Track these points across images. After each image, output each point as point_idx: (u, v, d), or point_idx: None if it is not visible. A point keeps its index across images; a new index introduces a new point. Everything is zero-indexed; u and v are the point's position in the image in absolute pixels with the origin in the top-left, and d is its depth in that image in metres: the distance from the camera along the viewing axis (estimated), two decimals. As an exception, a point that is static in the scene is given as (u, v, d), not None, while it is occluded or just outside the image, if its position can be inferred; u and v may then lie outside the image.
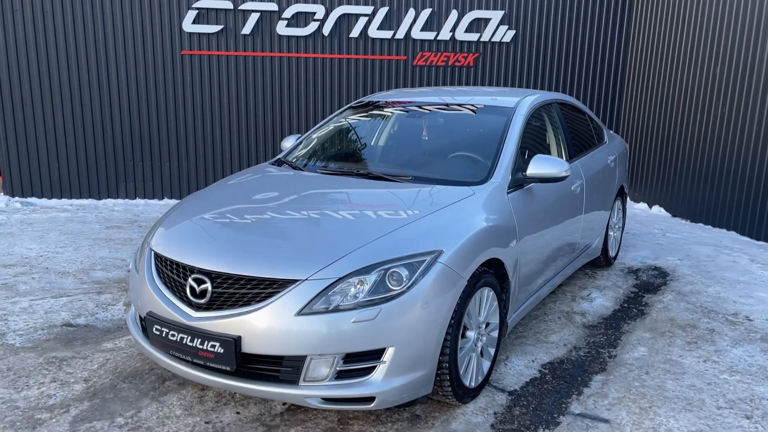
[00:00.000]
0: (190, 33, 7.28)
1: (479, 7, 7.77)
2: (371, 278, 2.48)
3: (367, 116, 4.17)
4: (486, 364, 3.05)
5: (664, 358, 3.47)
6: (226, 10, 7.29)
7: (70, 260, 5.07)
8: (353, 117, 4.19)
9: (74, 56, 7.22)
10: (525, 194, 3.40)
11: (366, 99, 4.37)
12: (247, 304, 2.46)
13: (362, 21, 7.54)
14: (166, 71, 7.35)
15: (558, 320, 4.02)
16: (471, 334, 2.87)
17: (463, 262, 2.70)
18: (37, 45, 7.16)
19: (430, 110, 4.02)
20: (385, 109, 4.18)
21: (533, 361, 3.43)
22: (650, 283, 4.81)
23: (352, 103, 4.34)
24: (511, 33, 7.87)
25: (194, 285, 2.56)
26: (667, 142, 7.53)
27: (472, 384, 2.91)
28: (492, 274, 3.00)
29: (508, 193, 3.26)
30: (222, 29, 7.32)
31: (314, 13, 7.45)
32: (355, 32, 7.55)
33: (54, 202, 7.37)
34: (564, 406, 2.96)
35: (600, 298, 4.44)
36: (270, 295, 2.44)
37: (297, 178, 3.52)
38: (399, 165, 3.73)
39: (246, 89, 7.55)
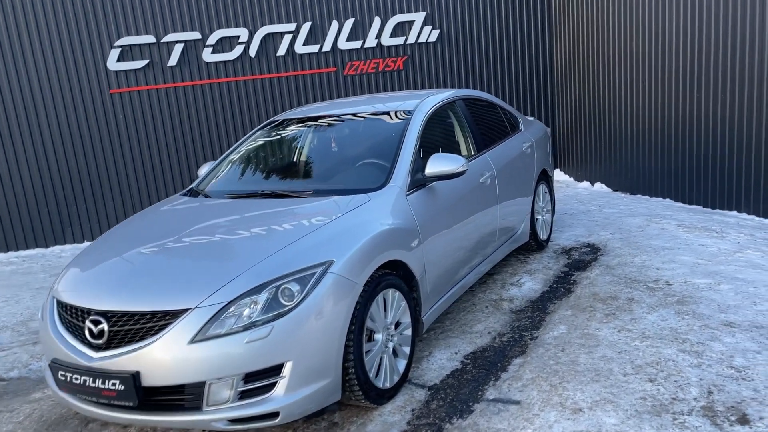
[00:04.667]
0: (116, 71, 7.30)
1: (401, 11, 7.90)
2: (262, 297, 2.55)
3: (276, 135, 4.25)
4: (402, 363, 3.14)
5: (582, 333, 3.59)
6: (149, 44, 7.33)
7: (10, 314, 5.06)
8: (263, 138, 4.27)
9: (1, 107, 7.20)
10: (427, 193, 3.50)
11: (278, 117, 4.44)
12: (143, 338, 2.52)
13: (287, 38, 7.63)
14: (97, 112, 7.36)
15: (485, 309, 4.13)
16: (379, 336, 2.95)
17: (357, 269, 2.78)
18: (-37, 102, 7.13)
19: (337, 122, 4.11)
20: (294, 126, 4.26)
21: (456, 353, 3.52)
22: (581, 260, 4.95)
23: (264, 123, 4.42)
24: (436, 32, 8.02)
25: (92, 327, 2.61)
26: (600, 120, 7.73)
27: (387, 385, 2.99)
28: (396, 275, 3.09)
29: (407, 194, 3.36)
30: (148, 63, 7.36)
31: (238, 37, 7.51)
32: (281, 50, 7.64)
33: (0, 256, 7.33)
34: (480, 393, 3.06)
35: (529, 282, 4.55)
36: (164, 327, 2.50)
37: (202, 206, 3.58)
38: (303, 180, 3.81)
39: (180, 119, 7.59)
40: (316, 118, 4.18)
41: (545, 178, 5.35)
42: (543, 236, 5.24)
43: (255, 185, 3.80)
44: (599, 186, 7.83)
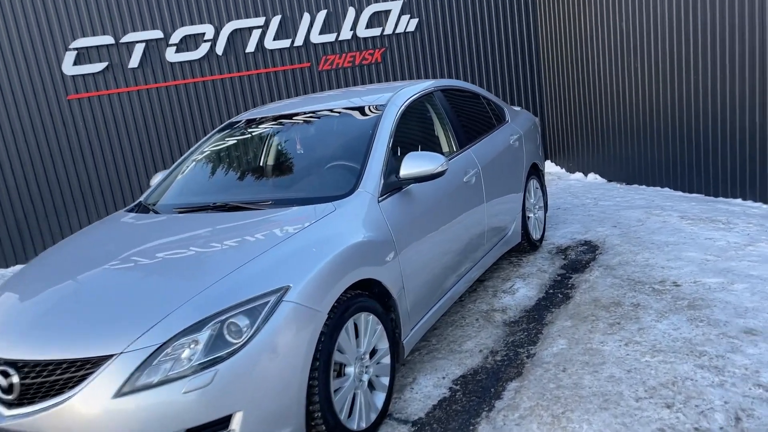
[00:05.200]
0: (73, 76, 6.81)
1: (377, 0, 7.45)
2: (204, 335, 2.12)
3: (234, 137, 3.81)
4: (380, 397, 2.72)
5: (584, 348, 3.18)
6: (108, 45, 6.85)
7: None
8: (220, 141, 3.82)
9: (-48, 120, 6.70)
10: (403, 198, 3.08)
11: (239, 117, 4.00)
12: (60, 392, 2.08)
13: (256, 33, 7.17)
14: (54, 120, 6.86)
15: (476, 322, 3.71)
16: (351, 369, 2.53)
17: (320, 294, 2.36)
18: None
19: (302, 121, 3.67)
20: (255, 127, 3.82)
21: (444, 378, 3.10)
22: (578, 261, 4.54)
23: (222, 125, 3.97)
24: (415, 21, 7.58)
25: (1, 379, 2.17)
26: (591, 108, 7.32)
27: (363, 425, 2.57)
28: (369, 296, 2.67)
29: (380, 201, 2.93)
30: (107, 66, 6.87)
31: (203, 34, 7.05)
32: (250, 46, 7.18)
33: (-42, 278, 6.84)
34: (471, 428, 2.64)
35: (523, 288, 4.14)
36: (84, 378, 2.06)
37: (145, 224, 3.13)
38: (262, 189, 3.37)
39: (145, 125, 7.11)
40: (279, 118, 3.74)
41: (536, 172, 4.94)
42: (536, 235, 4.83)
43: (207, 197, 3.35)
44: (593, 177, 7.43)
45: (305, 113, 3.68)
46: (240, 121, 3.90)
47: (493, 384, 2.98)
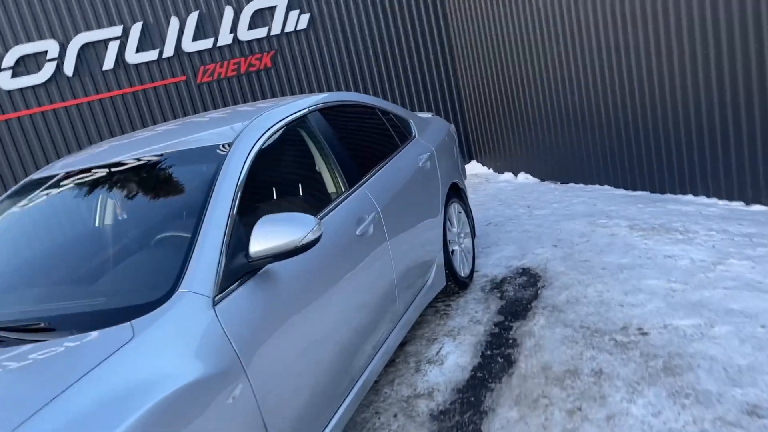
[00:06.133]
0: None
1: (258, -4, 6.37)
2: None
3: (16, 208, 2.66)
4: None
5: (540, 462, 2.28)
6: None
7: None
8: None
9: None
10: (258, 287, 2.07)
11: (33, 177, 2.85)
12: None
13: (114, 46, 5.95)
14: None
15: (394, 421, 2.76)
16: None
17: None
18: None
19: (113, 176, 2.58)
20: (47, 190, 2.68)
21: None
22: (518, 300, 3.68)
23: (11, 190, 2.81)
24: (306, 17, 6.55)
25: None
26: (516, 101, 6.51)
27: None
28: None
29: (217, 303, 1.91)
30: None
31: (46, 52, 5.77)
32: (108, 62, 5.96)
33: None
34: None
35: (454, 353, 3.23)
36: None
37: None
38: (32, 298, 2.22)
39: (-15, 169, 5.79)
40: (77, 175, 2.63)
41: (457, 193, 4.04)
42: (464, 272, 3.94)
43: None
44: (524, 177, 6.65)
45: (119, 165, 2.59)
46: (33, 181, 2.76)
47: None
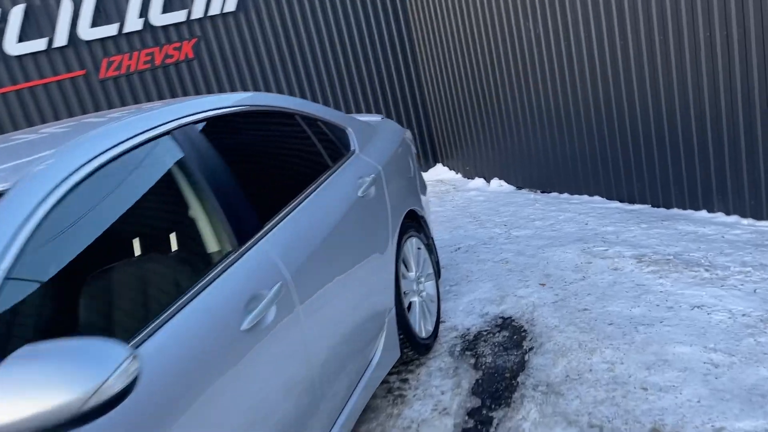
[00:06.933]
0: None
1: (173, -29, 5.25)
2: None
3: None
4: None
5: None
6: None
7: None
8: None
9: None
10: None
11: None
12: None
13: (-11, 34, 4.77)
14: None
15: None
16: None
17: None
18: None
19: None
20: None
21: None
22: (498, 372, 2.71)
23: None
24: (234, -2, 5.45)
25: None
26: (489, 98, 5.54)
27: None
28: None
29: None
30: None
31: None
32: (-19, 55, 4.78)
33: None
34: None
35: (411, 470, 2.23)
36: None
37: None
38: None
39: None
40: None
41: (414, 223, 3.04)
42: (425, 330, 2.95)
43: None
44: (497, 184, 5.69)
45: None
46: None
47: None
